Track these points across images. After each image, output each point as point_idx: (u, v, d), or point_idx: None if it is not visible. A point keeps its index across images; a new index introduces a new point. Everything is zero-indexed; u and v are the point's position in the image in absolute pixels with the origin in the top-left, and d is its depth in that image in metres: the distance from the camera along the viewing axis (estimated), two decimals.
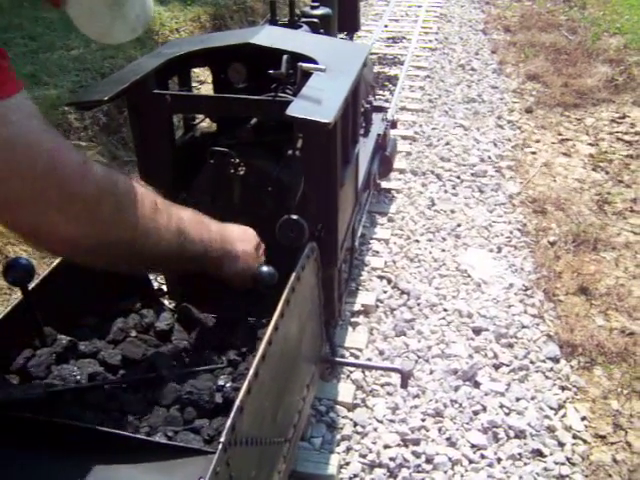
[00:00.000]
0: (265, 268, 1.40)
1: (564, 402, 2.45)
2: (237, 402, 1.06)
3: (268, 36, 1.93)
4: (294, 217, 1.62)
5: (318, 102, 1.55)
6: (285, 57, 1.79)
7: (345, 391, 2.42)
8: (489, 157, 4.47)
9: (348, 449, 2.23)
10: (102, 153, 4.01)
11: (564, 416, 2.39)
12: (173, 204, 1.23)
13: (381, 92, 5.49)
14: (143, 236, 1.11)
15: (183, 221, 1.22)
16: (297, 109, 1.50)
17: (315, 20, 2.48)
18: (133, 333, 1.43)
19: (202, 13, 6.24)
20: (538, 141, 4.80)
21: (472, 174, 4.22)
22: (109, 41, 1.14)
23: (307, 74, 1.74)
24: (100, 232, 1.03)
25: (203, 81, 3.70)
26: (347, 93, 1.65)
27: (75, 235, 1.00)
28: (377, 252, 3.35)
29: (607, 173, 4.31)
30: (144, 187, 1.15)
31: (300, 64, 1.73)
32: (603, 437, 2.32)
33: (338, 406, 2.38)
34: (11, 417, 1.05)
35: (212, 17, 6.34)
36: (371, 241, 3.44)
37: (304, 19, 2.48)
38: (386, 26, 7.59)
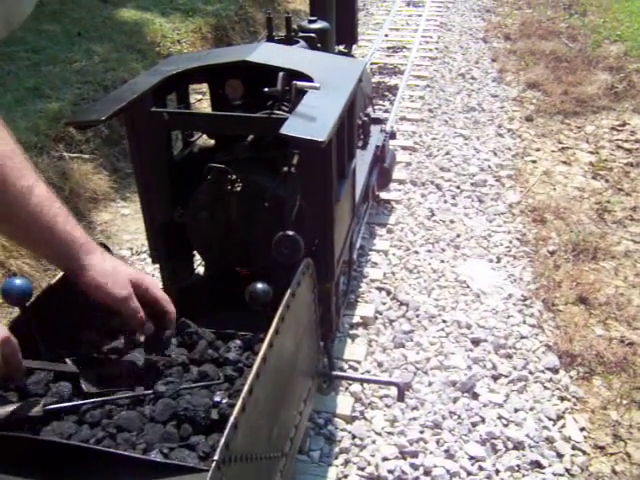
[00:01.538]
0: (260, 285, 1.41)
1: (563, 413, 2.45)
2: (231, 419, 1.08)
3: (264, 53, 1.96)
4: (290, 233, 1.64)
5: (312, 120, 1.57)
6: (281, 74, 1.81)
7: (343, 404, 2.43)
8: (489, 166, 4.48)
9: (346, 462, 2.23)
10: (104, 165, 4.05)
11: (563, 427, 2.39)
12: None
13: (381, 102, 5.52)
14: None
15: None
16: (291, 127, 1.52)
17: (312, 35, 2.51)
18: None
19: (203, 24, 6.29)
20: (538, 149, 4.81)
21: (472, 184, 4.23)
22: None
23: (302, 91, 1.76)
24: None
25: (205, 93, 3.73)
26: (341, 111, 1.67)
27: None
28: (376, 263, 3.36)
29: (607, 181, 4.31)
30: None
31: (295, 82, 1.75)
32: (602, 448, 2.32)
33: (336, 419, 2.39)
34: (8, 436, 1.07)
35: (214, 28, 6.39)
36: (370, 253, 3.45)
37: (301, 34, 2.51)
38: (386, 35, 7.64)
